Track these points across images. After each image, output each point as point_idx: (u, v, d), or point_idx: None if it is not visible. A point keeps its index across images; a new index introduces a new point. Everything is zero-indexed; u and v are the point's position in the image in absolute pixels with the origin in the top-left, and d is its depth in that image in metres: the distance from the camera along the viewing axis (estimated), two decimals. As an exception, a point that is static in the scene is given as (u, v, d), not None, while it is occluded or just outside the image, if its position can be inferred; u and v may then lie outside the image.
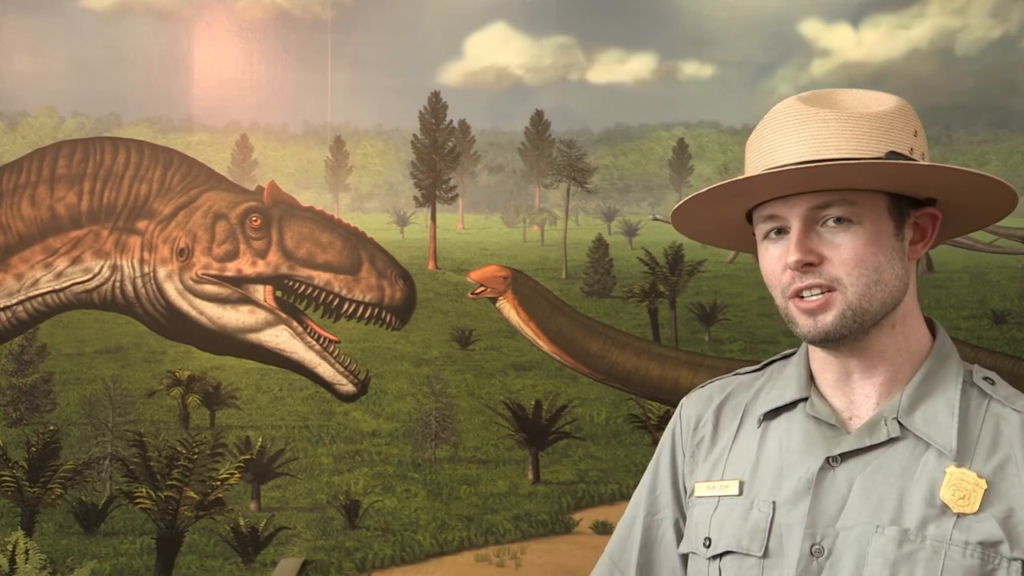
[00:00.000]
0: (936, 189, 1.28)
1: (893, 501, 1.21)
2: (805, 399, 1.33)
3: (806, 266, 1.23)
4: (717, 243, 1.52)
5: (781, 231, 1.27)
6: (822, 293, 1.24)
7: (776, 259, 1.27)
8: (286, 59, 3.71)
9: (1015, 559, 1.16)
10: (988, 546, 1.17)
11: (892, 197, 1.26)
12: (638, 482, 1.52)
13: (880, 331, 1.27)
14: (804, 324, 1.25)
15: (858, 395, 1.30)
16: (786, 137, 1.26)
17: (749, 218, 1.36)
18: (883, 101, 1.29)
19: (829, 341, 1.26)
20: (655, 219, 3.86)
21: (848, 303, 1.23)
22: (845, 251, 1.23)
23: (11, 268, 3.63)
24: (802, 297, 1.25)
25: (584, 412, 3.67)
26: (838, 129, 1.24)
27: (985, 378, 1.30)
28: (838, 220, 1.24)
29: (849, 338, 1.25)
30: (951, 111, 3.73)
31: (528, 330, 3.71)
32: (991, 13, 3.64)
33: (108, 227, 3.64)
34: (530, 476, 3.67)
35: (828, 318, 1.24)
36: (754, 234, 1.37)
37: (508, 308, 3.71)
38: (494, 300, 3.72)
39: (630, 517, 1.49)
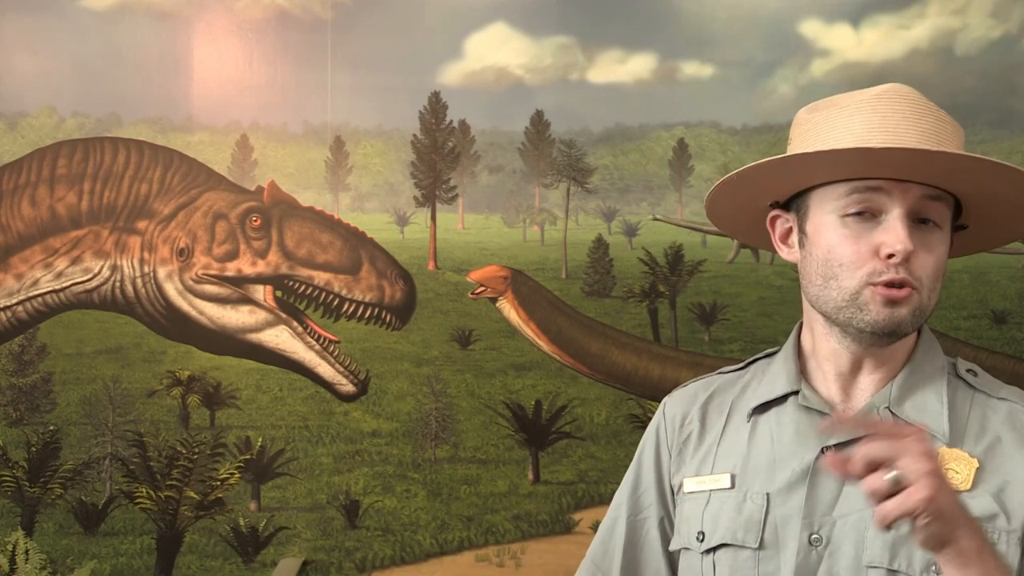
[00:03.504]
0: (1004, 213, 1.31)
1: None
2: (795, 392, 1.33)
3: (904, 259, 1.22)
4: (721, 223, 1.49)
5: (863, 213, 1.24)
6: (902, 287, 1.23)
7: (862, 241, 1.24)
8: (286, 59, 3.71)
9: (1012, 531, 1.18)
10: (984, 521, 1.18)
11: (955, 212, 1.29)
12: None
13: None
14: (879, 312, 1.23)
15: (857, 389, 1.31)
16: (909, 122, 1.24)
17: (777, 204, 1.35)
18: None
19: (893, 335, 1.25)
20: (655, 219, 3.86)
21: (920, 303, 1.24)
22: (933, 254, 1.24)
23: (11, 268, 3.63)
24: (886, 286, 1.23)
25: (584, 412, 3.67)
26: (952, 132, 1.27)
27: (968, 370, 1.33)
28: (924, 220, 1.24)
29: (903, 336, 1.27)
30: (951, 111, 3.70)
31: (528, 330, 3.71)
32: (991, 13, 3.64)
33: (108, 227, 3.64)
34: (530, 476, 3.67)
35: (903, 312, 1.23)
36: (773, 215, 1.37)
37: (508, 308, 3.71)
38: (494, 300, 3.72)
39: (612, 518, 1.48)
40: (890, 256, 1.21)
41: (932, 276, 1.24)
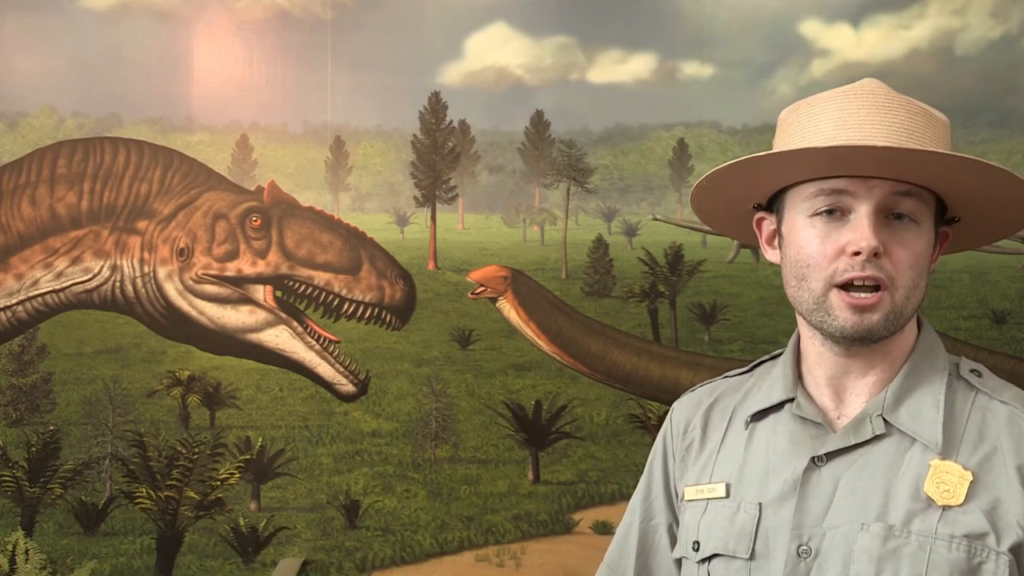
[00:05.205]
0: (986, 207, 1.27)
1: (878, 498, 1.20)
2: (792, 400, 1.31)
3: (873, 256, 1.19)
4: (716, 225, 1.48)
5: (834, 212, 1.23)
6: (874, 290, 1.21)
7: (829, 240, 1.22)
8: (286, 59, 3.71)
9: (1002, 552, 1.15)
10: (974, 538, 1.16)
11: (938, 207, 1.26)
12: (638, 482, 1.51)
13: (893, 335, 1.26)
14: (847, 319, 1.21)
15: (849, 394, 1.29)
16: (875, 116, 1.22)
17: (765, 203, 1.34)
18: (935, 110, 1.28)
19: (865, 340, 1.23)
20: (655, 219, 3.86)
21: (894, 305, 1.21)
22: (908, 250, 1.21)
23: (11, 268, 3.63)
24: (849, 290, 1.21)
25: (584, 412, 3.67)
26: (924, 124, 1.23)
27: (972, 370, 1.29)
28: (899, 216, 1.22)
29: (881, 340, 1.24)
30: (951, 111, 3.70)
31: (528, 330, 3.71)
32: (991, 13, 3.64)
33: (108, 227, 3.64)
34: (530, 476, 3.67)
35: (875, 318, 1.21)
36: (758, 218, 1.35)
37: (508, 308, 3.71)
38: (494, 300, 3.72)
39: (627, 523, 1.49)
40: (856, 254, 1.20)
41: (909, 272, 1.21)
